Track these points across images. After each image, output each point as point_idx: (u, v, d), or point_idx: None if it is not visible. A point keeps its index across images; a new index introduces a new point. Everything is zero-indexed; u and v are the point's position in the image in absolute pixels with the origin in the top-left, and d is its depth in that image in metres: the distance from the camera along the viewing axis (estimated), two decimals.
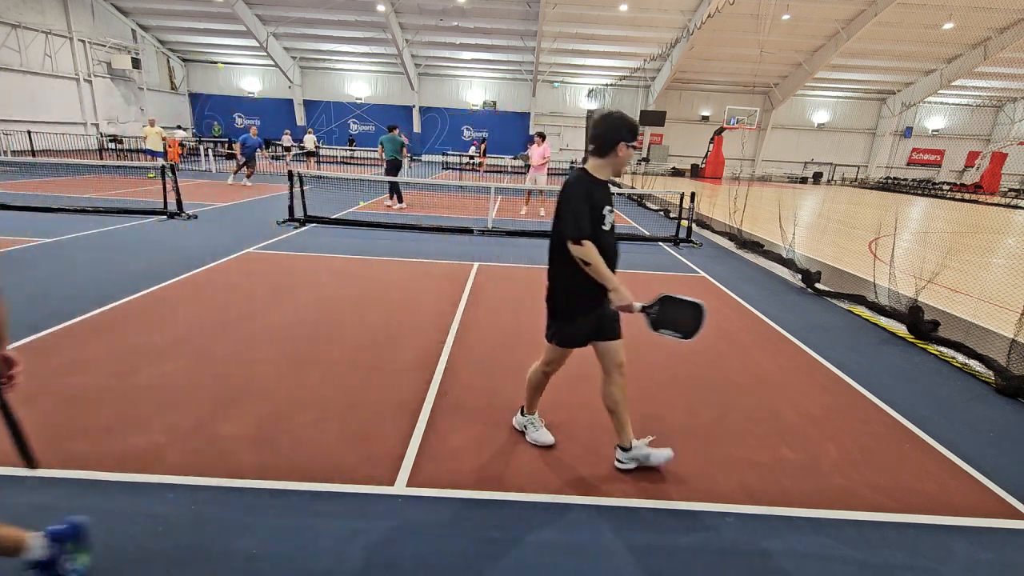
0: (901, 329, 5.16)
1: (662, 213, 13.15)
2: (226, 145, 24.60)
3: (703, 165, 29.56)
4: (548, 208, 12.66)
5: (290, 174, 8.91)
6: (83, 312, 4.42)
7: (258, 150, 14.63)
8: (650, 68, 26.38)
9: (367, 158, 26.57)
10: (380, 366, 3.75)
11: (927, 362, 4.45)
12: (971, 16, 20.35)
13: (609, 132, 2.37)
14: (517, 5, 22.21)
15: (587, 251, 2.32)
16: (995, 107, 31.24)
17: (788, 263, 7.37)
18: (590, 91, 30.93)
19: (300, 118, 30.96)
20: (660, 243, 9.28)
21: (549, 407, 3.30)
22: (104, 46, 23.78)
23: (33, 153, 17.88)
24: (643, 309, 2.40)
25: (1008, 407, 3.68)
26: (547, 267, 2.60)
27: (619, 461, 2.70)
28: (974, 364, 4.32)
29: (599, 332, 2.58)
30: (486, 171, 23.90)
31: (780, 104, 30.00)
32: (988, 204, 21.92)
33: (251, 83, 31.22)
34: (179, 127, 20.94)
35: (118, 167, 16.19)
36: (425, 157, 30.75)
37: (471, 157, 25.04)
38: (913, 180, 30.43)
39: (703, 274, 7.15)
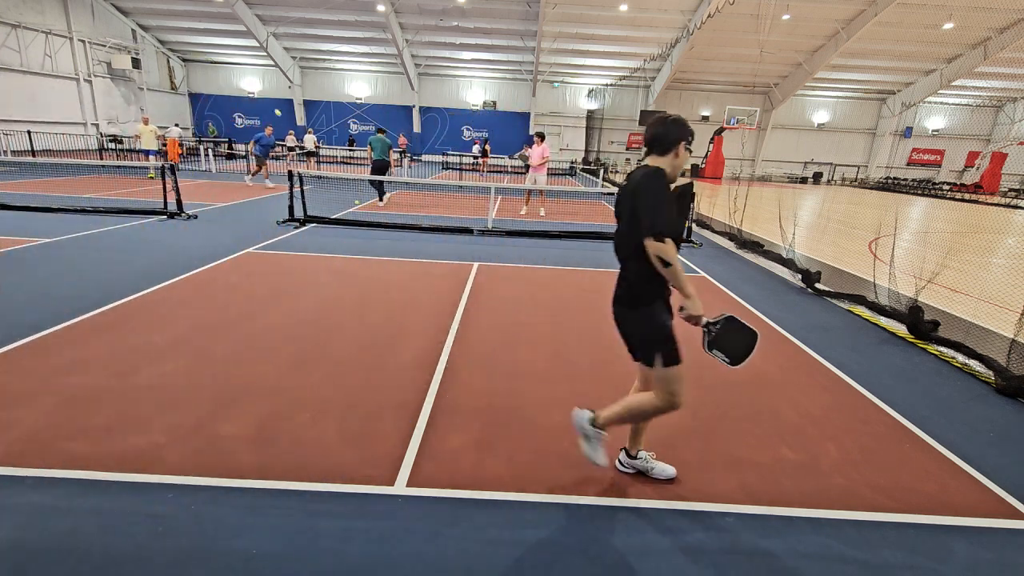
0: (901, 329, 5.16)
1: None
2: (226, 145, 24.59)
3: (703, 165, 29.56)
4: (548, 208, 12.66)
5: (290, 174, 8.92)
6: (83, 312, 4.42)
7: (271, 150, 14.50)
8: (650, 68, 26.40)
9: (367, 158, 26.57)
10: (380, 366, 3.75)
11: (927, 362, 4.45)
12: (971, 16, 20.36)
13: (671, 132, 2.28)
14: (517, 5, 22.22)
15: (669, 249, 2.11)
16: (995, 107, 31.24)
17: (788, 263, 7.37)
18: (590, 91, 30.94)
19: (300, 118, 30.97)
20: None
21: (549, 406, 3.30)
22: (104, 46, 23.79)
23: (33, 153, 17.88)
24: (707, 324, 2.25)
25: (1008, 407, 3.68)
26: (616, 287, 2.37)
27: (620, 463, 2.70)
28: (974, 364, 4.32)
29: None
30: (486, 171, 23.90)
31: (780, 104, 30.00)
32: (988, 204, 21.91)
33: (251, 83, 31.23)
34: (175, 125, 20.92)
35: (118, 167, 16.20)
36: (425, 157, 30.77)
37: (475, 157, 25.01)
38: (913, 180, 30.43)
39: (703, 274, 7.14)
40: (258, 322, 4.45)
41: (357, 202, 12.02)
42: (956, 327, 5.11)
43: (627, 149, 32.22)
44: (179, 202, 9.08)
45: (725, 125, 28.30)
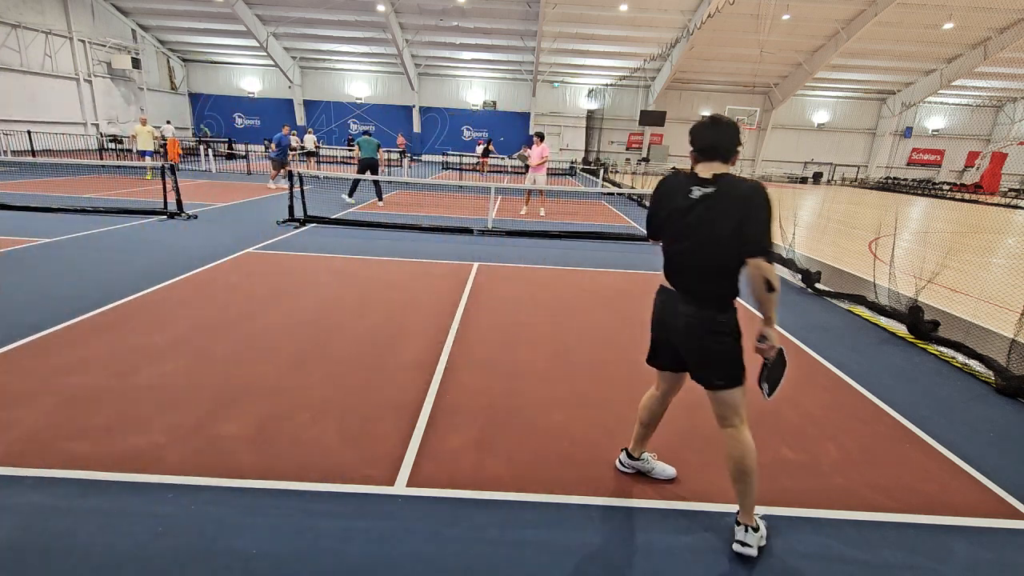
0: (901, 329, 5.16)
1: None
2: (226, 145, 24.59)
3: None
4: (548, 208, 12.66)
5: (290, 174, 8.92)
6: (83, 312, 4.42)
7: (289, 151, 14.43)
8: (650, 68, 26.40)
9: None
10: (380, 366, 3.75)
11: (927, 362, 4.45)
12: (971, 16, 20.35)
13: (735, 137, 2.16)
14: (517, 5, 22.21)
15: (775, 272, 2.03)
16: (995, 107, 31.24)
17: (788, 263, 7.37)
18: (590, 91, 30.95)
19: (300, 118, 30.97)
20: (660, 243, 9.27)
21: (549, 407, 3.30)
22: (104, 46, 23.79)
23: (33, 153, 17.88)
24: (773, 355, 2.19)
25: (1008, 407, 3.68)
26: (697, 305, 2.19)
27: (620, 463, 2.70)
28: (974, 364, 4.32)
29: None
30: (487, 171, 23.90)
31: (780, 104, 30.00)
32: (988, 204, 21.92)
33: (251, 83, 31.23)
34: (167, 122, 20.94)
35: (118, 167, 16.20)
36: (425, 157, 30.76)
37: (479, 157, 24.98)
38: (913, 180, 30.44)
39: None
40: (258, 322, 4.45)
41: (351, 200, 12.03)
42: (956, 327, 5.11)
43: (627, 149, 32.24)
44: (179, 202, 9.08)
45: None
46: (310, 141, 21.70)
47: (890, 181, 30.31)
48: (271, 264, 6.40)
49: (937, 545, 2.31)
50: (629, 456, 2.67)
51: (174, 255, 6.49)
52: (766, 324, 2.13)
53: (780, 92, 29.59)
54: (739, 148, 2.18)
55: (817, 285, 6.55)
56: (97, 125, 23.50)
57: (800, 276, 6.81)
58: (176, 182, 8.93)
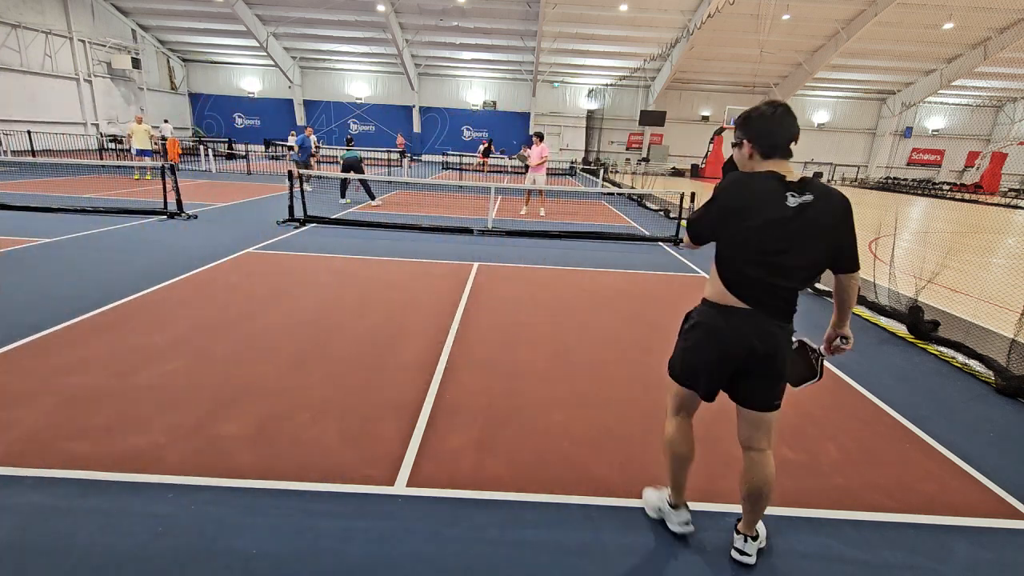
0: (901, 329, 5.16)
1: (662, 213, 13.14)
2: (226, 145, 24.60)
3: (703, 165, 29.57)
4: (548, 208, 12.66)
5: (290, 174, 8.92)
6: (83, 312, 4.42)
7: (312, 153, 14.36)
8: (650, 68, 26.41)
9: (367, 158, 26.59)
10: (380, 366, 3.75)
11: (927, 362, 4.45)
12: (971, 16, 20.36)
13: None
14: (517, 5, 22.22)
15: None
16: (995, 107, 31.26)
17: None
18: (590, 91, 30.96)
19: (300, 118, 30.97)
20: (660, 243, 9.28)
21: (549, 407, 3.30)
22: (104, 46, 23.80)
23: (33, 153, 17.89)
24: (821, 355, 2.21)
25: (1008, 407, 3.68)
26: (776, 319, 1.96)
27: (681, 525, 2.29)
28: (974, 364, 4.32)
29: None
30: (487, 171, 23.92)
31: None
32: (988, 204, 21.91)
33: (251, 83, 31.25)
34: (165, 121, 20.93)
35: (118, 167, 16.20)
36: (425, 157, 30.77)
37: (480, 157, 24.97)
38: (913, 180, 30.43)
39: (703, 274, 7.14)
40: (258, 322, 4.45)
41: (345, 200, 12.08)
42: (956, 327, 5.11)
43: (627, 149, 32.24)
44: (179, 202, 9.08)
45: (725, 125, 28.28)
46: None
47: (890, 181, 30.30)
48: (271, 264, 6.40)
49: (937, 545, 2.31)
50: (673, 507, 2.30)
51: (174, 255, 6.50)
52: (847, 327, 2.15)
53: (780, 92, 29.56)
54: None
55: (817, 285, 6.54)
56: (97, 125, 23.50)
57: None
58: (176, 182, 8.94)
